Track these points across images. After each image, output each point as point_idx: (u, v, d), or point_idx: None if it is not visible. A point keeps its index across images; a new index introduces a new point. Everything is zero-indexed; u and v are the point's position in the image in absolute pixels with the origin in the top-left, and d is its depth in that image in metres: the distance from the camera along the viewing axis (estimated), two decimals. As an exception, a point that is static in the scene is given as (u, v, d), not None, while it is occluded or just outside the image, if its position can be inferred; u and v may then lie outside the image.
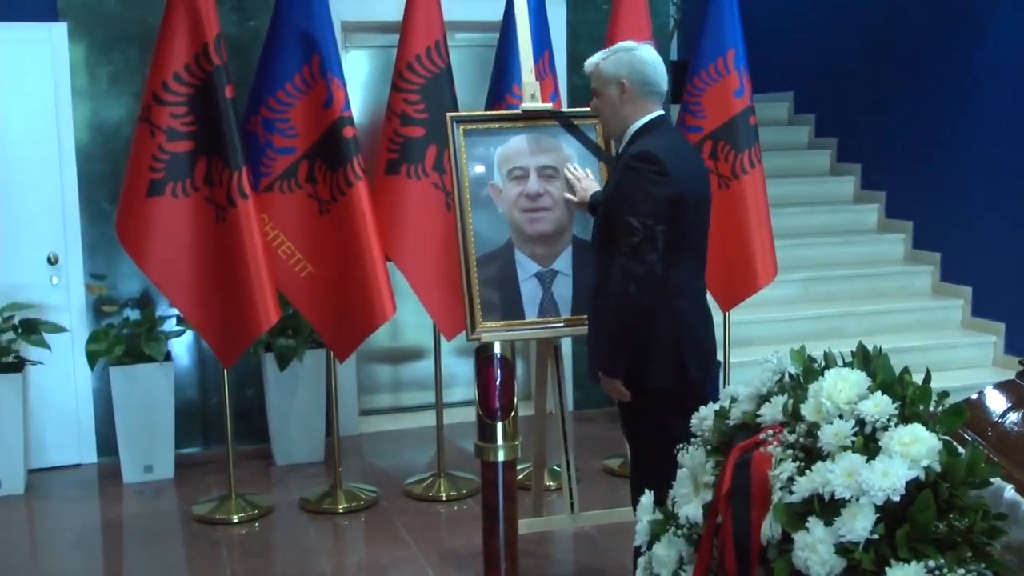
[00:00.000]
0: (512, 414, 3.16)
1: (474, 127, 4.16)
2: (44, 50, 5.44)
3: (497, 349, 3.21)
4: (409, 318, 6.15)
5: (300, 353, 5.35)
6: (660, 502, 2.62)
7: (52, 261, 5.50)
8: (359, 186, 4.65)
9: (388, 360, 6.52)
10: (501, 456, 3.13)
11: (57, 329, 5.26)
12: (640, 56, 3.38)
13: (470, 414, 6.20)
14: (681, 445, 2.55)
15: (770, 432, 2.26)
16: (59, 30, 5.45)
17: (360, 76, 6.26)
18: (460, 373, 6.48)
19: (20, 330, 5.20)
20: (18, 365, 5.22)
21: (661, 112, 3.40)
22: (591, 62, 3.49)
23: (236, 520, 4.77)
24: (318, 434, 5.64)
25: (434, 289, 4.89)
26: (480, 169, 4.09)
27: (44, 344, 5.18)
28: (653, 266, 3.13)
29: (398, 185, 4.89)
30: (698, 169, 3.42)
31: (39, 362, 5.29)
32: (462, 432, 5.90)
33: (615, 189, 3.29)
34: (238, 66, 4.79)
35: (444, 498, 5.05)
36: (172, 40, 4.54)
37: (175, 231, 4.56)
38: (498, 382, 3.13)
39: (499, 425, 3.13)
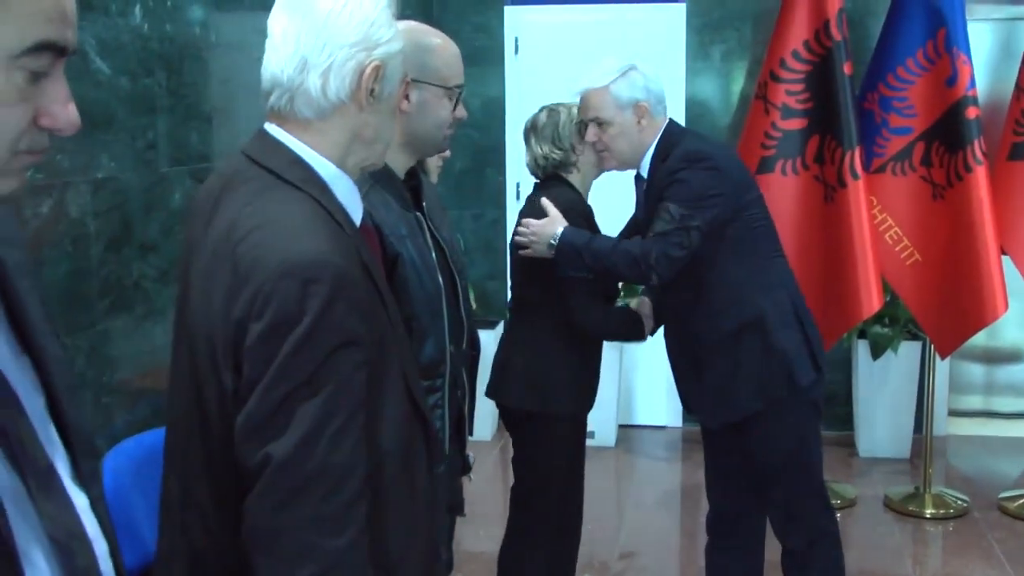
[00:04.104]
0: None
1: None
2: (662, 29, 5.68)
3: None
4: (1012, 316, 5.60)
5: (895, 343, 5.11)
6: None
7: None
8: (979, 171, 4.31)
9: (983, 360, 6.02)
10: None
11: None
12: (650, 72, 3.05)
13: (1077, 429, 5.58)
14: None
15: None
16: (678, 10, 5.66)
17: (981, 51, 5.78)
18: (1066, 383, 5.82)
19: (623, 293, 5.52)
20: (618, 326, 5.56)
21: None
22: (589, 87, 3.00)
23: (818, 507, 4.68)
24: (905, 430, 5.35)
25: (1055, 289, 4.43)
26: None
27: (642, 309, 5.46)
28: None
29: (1022, 171, 4.46)
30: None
31: (637, 326, 5.59)
32: (1066, 449, 5.30)
33: None
34: (853, 41, 4.64)
35: (1044, 520, 4.57)
36: (793, 17, 4.52)
37: (782, 208, 4.52)
38: None
39: None
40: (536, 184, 3.20)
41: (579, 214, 3.03)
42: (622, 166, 3.09)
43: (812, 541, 3.09)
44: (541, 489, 3.07)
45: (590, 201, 3.20)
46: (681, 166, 2.90)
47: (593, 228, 3.08)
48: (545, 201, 2.95)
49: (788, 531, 3.09)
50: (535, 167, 3.17)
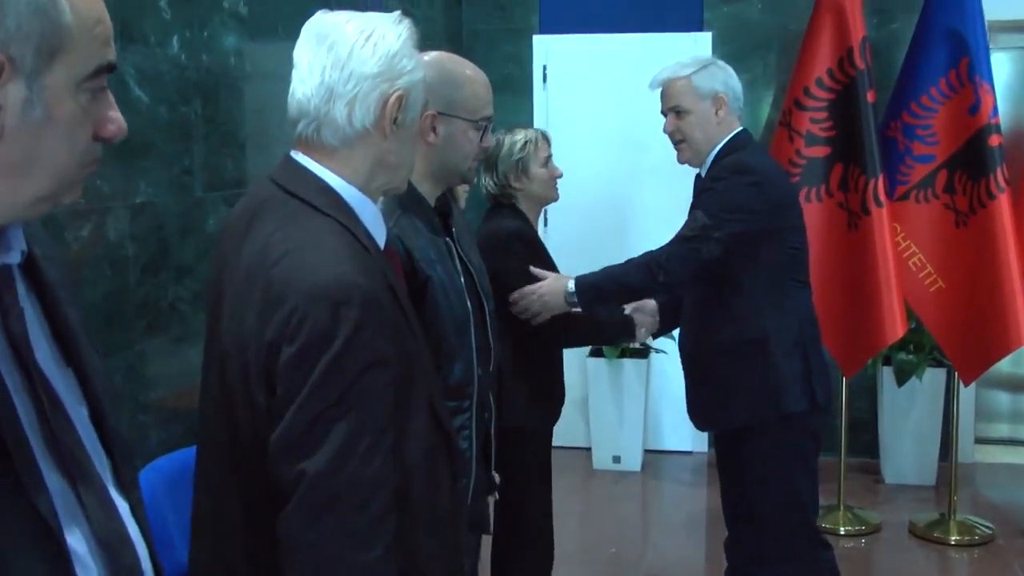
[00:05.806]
0: None
1: None
2: (688, 57, 5.72)
3: None
4: (1037, 344, 5.60)
5: (920, 370, 5.11)
6: None
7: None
8: (1001, 199, 4.33)
9: (1009, 387, 6.01)
10: None
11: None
12: (729, 69, 3.12)
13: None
14: None
15: None
16: (704, 39, 5.72)
17: (1003, 80, 5.80)
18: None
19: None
20: (644, 352, 5.59)
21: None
22: (671, 76, 3.09)
23: (843, 532, 4.68)
24: (931, 457, 5.33)
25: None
26: None
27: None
28: None
29: (1045, 199, 4.49)
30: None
31: (663, 351, 5.60)
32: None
33: None
34: (877, 70, 4.69)
35: (1071, 548, 4.55)
36: (817, 45, 4.57)
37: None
38: None
39: None
40: (486, 211, 3.23)
41: (523, 242, 3.04)
42: (695, 158, 3.11)
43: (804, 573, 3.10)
44: (517, 504, 3.03)
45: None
46: (723, 175, 2.96)
47: (540, 254, 3.07)
48: (535, 269, 2.95)
49: (776, 560, 3.10)
50: (485, 194, 3.21)
